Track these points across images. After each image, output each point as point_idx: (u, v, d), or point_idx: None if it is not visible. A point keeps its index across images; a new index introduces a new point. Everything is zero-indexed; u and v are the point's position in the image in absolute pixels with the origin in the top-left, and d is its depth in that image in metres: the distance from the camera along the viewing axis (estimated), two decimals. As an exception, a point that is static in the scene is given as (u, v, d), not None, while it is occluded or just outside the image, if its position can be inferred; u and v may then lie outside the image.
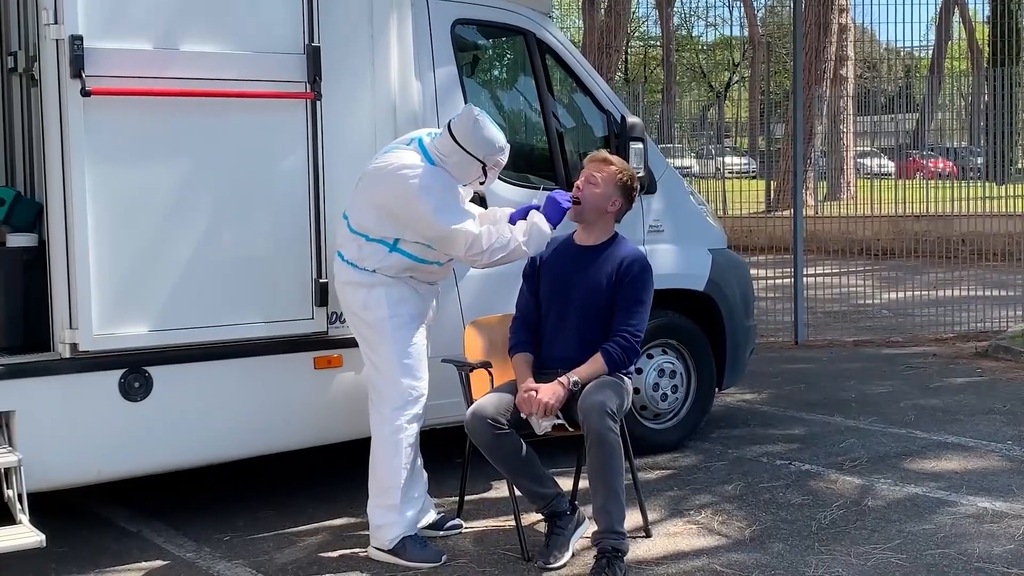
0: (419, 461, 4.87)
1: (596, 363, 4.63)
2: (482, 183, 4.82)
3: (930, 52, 28.55)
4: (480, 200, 5.29)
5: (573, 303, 4.76)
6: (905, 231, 13.53)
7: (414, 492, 4.77)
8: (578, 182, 4.82)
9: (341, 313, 5.02)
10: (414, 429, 4.72)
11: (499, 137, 4.71)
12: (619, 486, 4.42)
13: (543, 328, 4.84)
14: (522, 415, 4.54)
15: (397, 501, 4.68)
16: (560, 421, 4.59)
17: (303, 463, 5.95)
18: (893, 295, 12.13)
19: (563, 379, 4.56)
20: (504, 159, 4.77)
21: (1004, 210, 13.35)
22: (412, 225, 4.63)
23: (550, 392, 4.51)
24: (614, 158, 4.89)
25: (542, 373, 4.70)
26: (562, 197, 4.82)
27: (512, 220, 4.90)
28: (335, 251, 4.84)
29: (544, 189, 5.29)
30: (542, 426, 4.52)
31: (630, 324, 4.69)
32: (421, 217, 4.58)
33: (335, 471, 5.97)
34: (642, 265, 4.76)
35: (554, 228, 4.80)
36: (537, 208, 4.87)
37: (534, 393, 4.51)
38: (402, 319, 4.69)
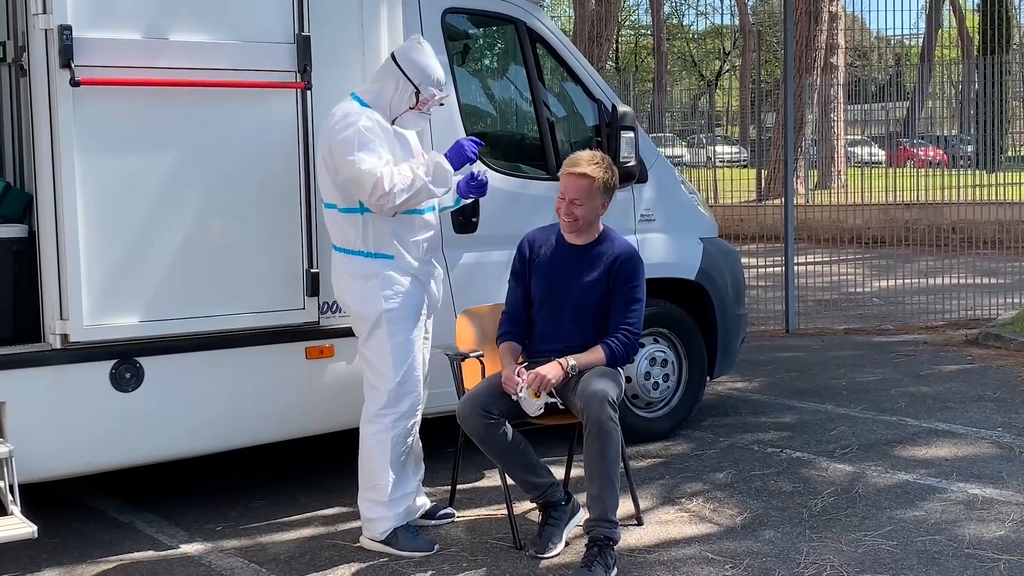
0: (415, 455, 4.86)
1: (596, 354, 4.63)
2: (415, 108, 4.65)
3: (920, 40, 28.61)
4: None
5: (567, 301, 4.74)
6: (896, 219, 13.55)
7: (406, 487, 4.75)
8: (561, 205, 4.68)
9: (333, 303, 5.02)
10: (403, 427, 4.68)
11: (438, 70, 4.67)
12: (615, 475, 4.42)
13: (535, 324, 4.83)
14: (513, 397, 4.53)
15: (386, 497, 4.67)
16: (554, 400, 4.59)
17: (295, 453, 5.96)
18: (883, 283, 12.16)
19: (563, 361, 4.56)
20: (438, 94, 4.70)
21: (994, 198, 13.39)
22: (338, 167, 4.53)
23: (549, 368, 4.52)
24: (587, 165, 4.66)
25: (533, 361, 4.70)
26: (469, 146, 4.73)
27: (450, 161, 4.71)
28: (325, 242, 4.83)
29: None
30: (534, 406, 4.51)
31: (629, 322, 4.69)
32: (342, 154, 4.49)
33: (327, 461, 5.97)
34: (636, 262, 4.76)
35: (455, 172, 4.68)
36: (476, 175, 4.83)
37: (524, 370, 4.53)
38: (398, 312, 4.64)
